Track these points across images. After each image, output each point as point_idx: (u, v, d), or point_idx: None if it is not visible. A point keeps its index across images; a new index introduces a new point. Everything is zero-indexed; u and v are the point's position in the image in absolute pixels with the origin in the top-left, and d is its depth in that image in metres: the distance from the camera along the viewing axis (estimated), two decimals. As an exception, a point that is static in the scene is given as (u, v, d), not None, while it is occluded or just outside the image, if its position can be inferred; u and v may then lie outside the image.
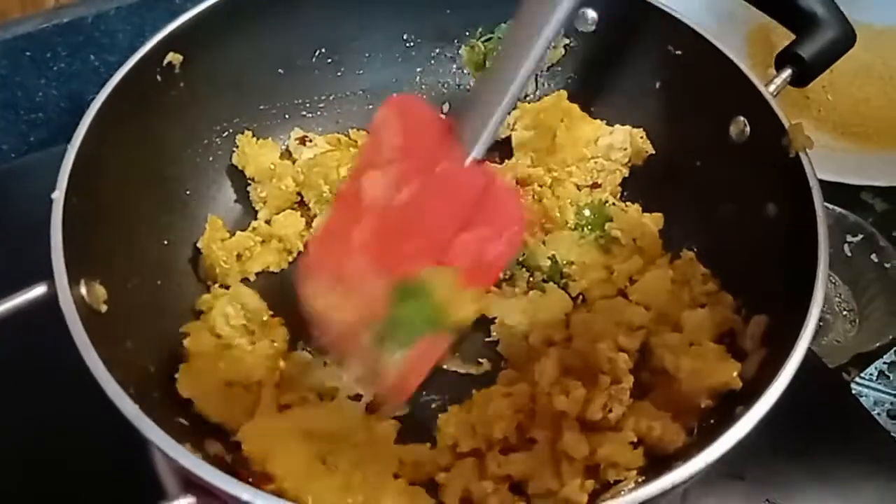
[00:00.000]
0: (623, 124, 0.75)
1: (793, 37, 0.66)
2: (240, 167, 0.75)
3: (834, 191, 0.89)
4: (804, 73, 0.68)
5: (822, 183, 0.86)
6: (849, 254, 0.87)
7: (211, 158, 0.73)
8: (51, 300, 0.52)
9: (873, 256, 0.86)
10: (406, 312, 0.51)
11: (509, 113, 0.54)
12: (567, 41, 0.76)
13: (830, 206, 0.88)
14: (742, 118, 0.67)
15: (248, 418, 0.59)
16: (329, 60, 0.79)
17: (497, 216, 0.52)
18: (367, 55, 0.80)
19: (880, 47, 1.07)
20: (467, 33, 0.80)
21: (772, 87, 0.65)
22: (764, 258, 0.62)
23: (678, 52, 0.71)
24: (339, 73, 0.79)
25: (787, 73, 0.67)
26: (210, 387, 0.59)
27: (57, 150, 0.86)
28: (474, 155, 0.51)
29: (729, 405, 0.54)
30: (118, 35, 0.91)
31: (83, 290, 0.54)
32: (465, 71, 0.81)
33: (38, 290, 0.52)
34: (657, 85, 0.73)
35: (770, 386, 0.49)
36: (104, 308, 0.56)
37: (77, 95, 0.93)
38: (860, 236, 0.87)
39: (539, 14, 0.48)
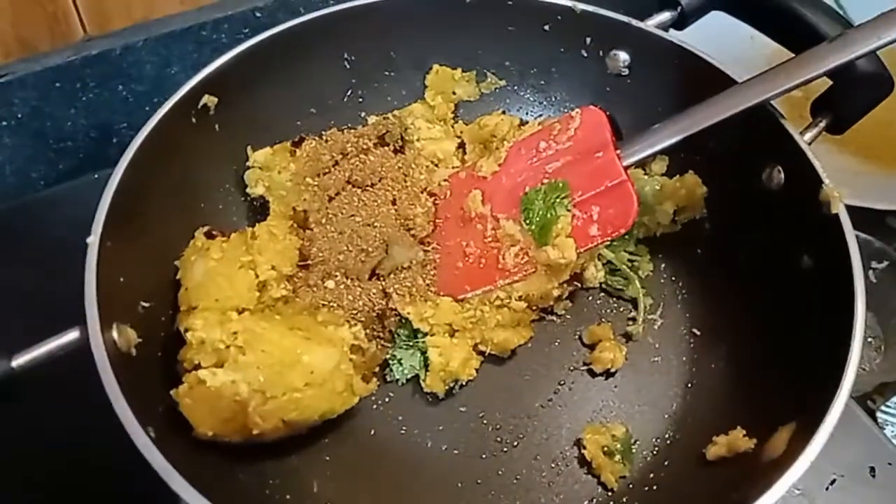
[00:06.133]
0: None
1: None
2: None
3: (858, 216, 0.87)
4: (840, 122, 0.67)
5: (847, 207, 0.86)
6: (874, 280, 0.86)
7: (244, 198, 0.73)
8: (83, 344, 0.52)
9: (899, 283, 0.84)
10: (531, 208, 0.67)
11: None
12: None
13: (855, 233, 0.87)
14: (777, 165, 0.66)
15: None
16: (360, 100, 0.79)
17: (612, 209, 0.64)
18: (393, 94, 0.80)
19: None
20: (488, 78, 0.81)
21: (807, 136, 0.65)
22: (796, 311, 0.62)
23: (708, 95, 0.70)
24: (368, 112, 0.79)
25: (822, 120, 0.67)
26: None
27: (86, 178, 0.89)
28: (627, 161, 0.65)
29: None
30: (146, 66, 0.92)
31: (114, 334, 0.54)
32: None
33: (72, 336, 0.53)
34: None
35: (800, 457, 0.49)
36: (135, 352, 0.56)
37: (105, 125, 0.94)
38: (885, 263, 0.86)
39: (727, 101, 0.63)
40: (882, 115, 1.02)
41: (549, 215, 0.66)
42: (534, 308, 0.70)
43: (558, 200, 0.66)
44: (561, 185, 0.66)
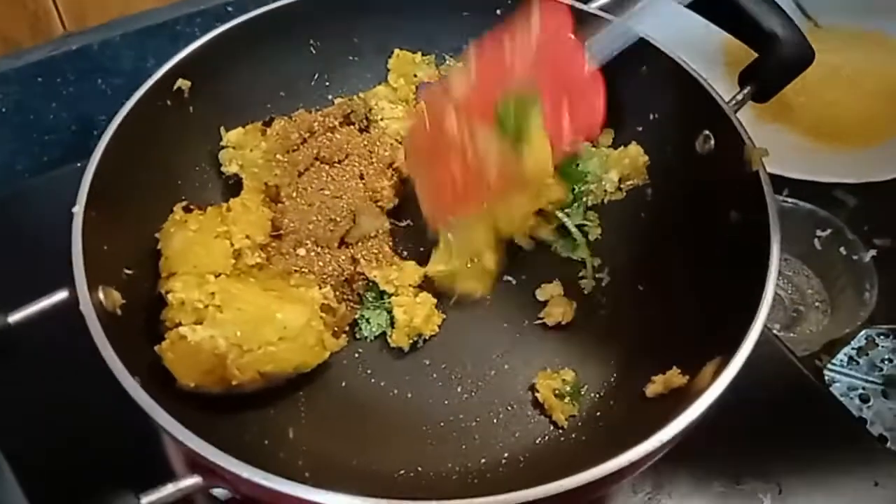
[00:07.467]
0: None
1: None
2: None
3: (809, 188, 0.94)
4: (764, 90, 0.73)
5: (797, 181, 0.93)
6: (819, 247, 0.92)
7: (218, 175, 0.78)
8: (71, 304, 0.57)
9: (842, 249, 0.90)
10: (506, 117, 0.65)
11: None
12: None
13: (801, 203, 0.93)
14: (707, 132, 0.72)
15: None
16: (327, 83, 0.84)
17: (582, 107, 0.65)
18: (358, 78, 0.85)
19: (848, 51, 1.13)
20: (447, 60, 0.86)
21: (733, 103, 0.71)
22: (726, 262, 0.67)
23: (648, 72, 0.76)
24: (334, 94, 0.85)
25: (748, 89, 0.73)
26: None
27: (69, 168, 0.93)
28: (595, 62, 0.66)
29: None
30: (123, 60, 0.96)
31: (101, 295, 0.58)
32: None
33: (61, 295, 0.57)
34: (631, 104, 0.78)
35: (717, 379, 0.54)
36: (119, 311, 0.60)
37: (86, 117, 0.98)
38: (829, 230, 0.91)
39: None
40: (828, 95, 1.10)
41: (522, 122, 0.66)
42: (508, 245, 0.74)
43: (530, 105, 0.66)
44: (531, 90, 0.66)
